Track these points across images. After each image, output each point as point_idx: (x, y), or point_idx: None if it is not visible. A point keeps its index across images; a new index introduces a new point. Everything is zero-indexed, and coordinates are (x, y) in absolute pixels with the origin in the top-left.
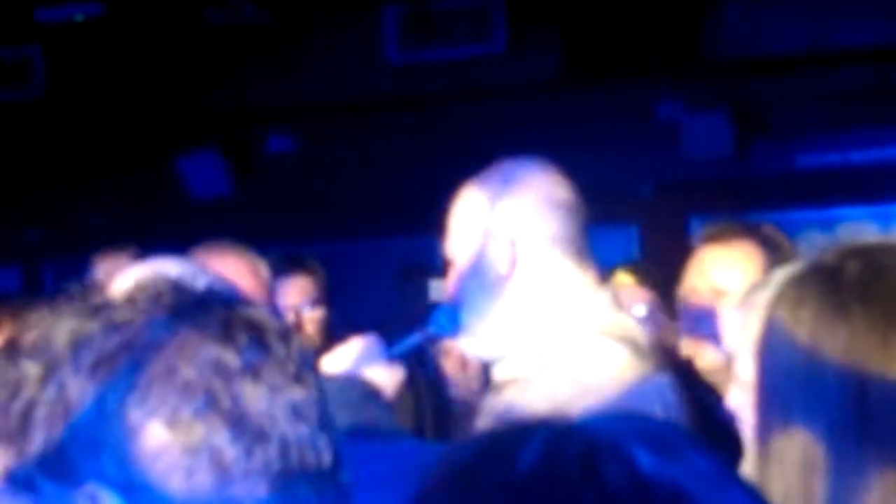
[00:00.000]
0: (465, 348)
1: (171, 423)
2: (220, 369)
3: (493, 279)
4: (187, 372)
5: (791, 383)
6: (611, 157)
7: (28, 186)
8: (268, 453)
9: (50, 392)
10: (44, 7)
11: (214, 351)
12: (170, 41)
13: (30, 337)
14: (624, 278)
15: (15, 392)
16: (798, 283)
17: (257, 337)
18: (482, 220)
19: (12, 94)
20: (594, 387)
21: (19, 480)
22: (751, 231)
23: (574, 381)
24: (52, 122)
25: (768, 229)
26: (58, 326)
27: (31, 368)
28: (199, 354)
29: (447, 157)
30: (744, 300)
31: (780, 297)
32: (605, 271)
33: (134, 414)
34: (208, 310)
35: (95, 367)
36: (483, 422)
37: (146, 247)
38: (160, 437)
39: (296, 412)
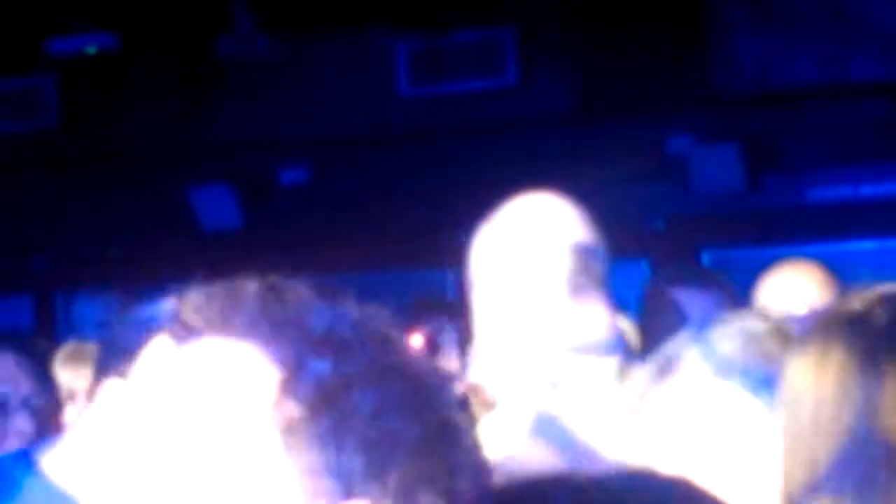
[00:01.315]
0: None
1: None
2: None
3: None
4: None
5: (818, 436)
6: (622, 192)
7: (39, 215)
8: None
9: None
10: (57, 38)
11: None
12: (182, 72)
13: None
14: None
15: None
16: (824, 331)
17: None
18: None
19: (25, 124)
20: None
21: None
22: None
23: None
24: (65, 152)
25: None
26: None
27: None
28: None
29: (459, 190)
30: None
31: (805, 345)
32: (617, 307)
33: None
34: None
35: None
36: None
37: (157, 277)
38: None
39: None
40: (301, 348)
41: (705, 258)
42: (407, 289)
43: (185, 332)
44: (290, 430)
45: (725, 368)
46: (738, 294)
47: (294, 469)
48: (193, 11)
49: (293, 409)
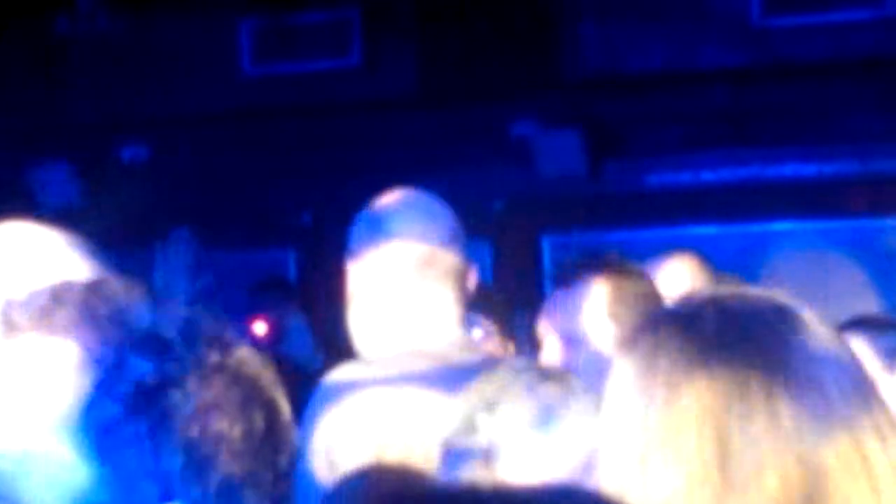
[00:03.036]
0: None
1: None
2: None
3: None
4: None
5: (647, 436)
6: (465, 175)
7: None
8: None
9: None
10: None
11: None
12: (24, 51)
13: None
14: None
15: None
16: (652, 332)
17: None
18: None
19: None
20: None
21: None
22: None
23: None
24: None
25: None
26: None
27: None
28: None
29: (301, 170)
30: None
31: (632, 346)
32: None
33: None
34: None
35: None
36: None
37: None
38: None
39: None
40: (122, 347)
41: (545, 242)
42: (249, 270)
43: (9, 328)
44: (107, 429)
45: None
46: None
47: (111, 469)
48: None
49: (111, 410)
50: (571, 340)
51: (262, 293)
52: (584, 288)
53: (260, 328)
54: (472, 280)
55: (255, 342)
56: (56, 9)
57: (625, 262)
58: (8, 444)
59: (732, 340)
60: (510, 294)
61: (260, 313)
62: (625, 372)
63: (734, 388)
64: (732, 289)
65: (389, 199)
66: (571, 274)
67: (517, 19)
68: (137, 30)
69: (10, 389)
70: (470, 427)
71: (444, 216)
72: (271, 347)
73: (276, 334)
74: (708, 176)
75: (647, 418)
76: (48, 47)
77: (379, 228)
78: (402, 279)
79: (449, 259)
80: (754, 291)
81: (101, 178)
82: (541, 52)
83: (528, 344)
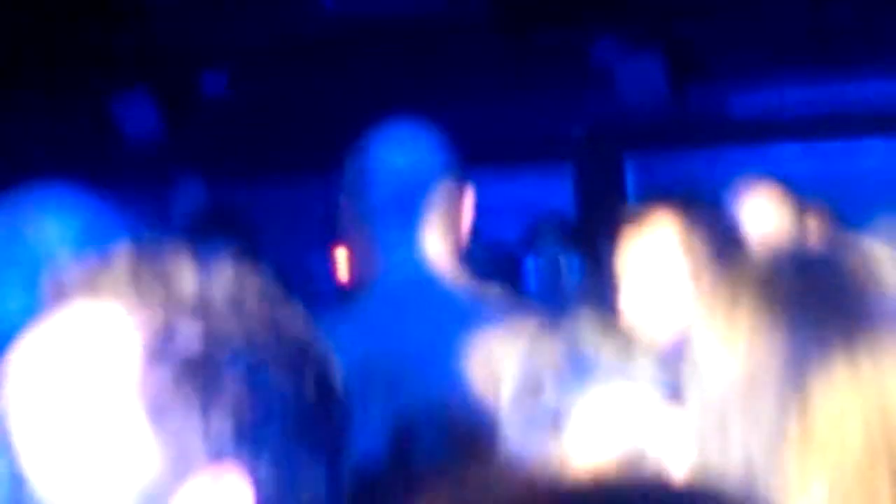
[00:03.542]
0: None
1: None
2: None
3: None
4: None
5: (726, 395)
6: (544, 101)
7: None
8: None
9: None
10: None
11: None
12: None
13: None
14: None
15: None
16: (730, 289)
17: None
18: None
19: None
20: None
21: None
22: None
23: None
24: None
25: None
26: None
27: None
28: None
29: (380, 100)
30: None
31: (711, 300)
32: (539, 214)
33: None
34: None
35: None
36: None
37: (78, 185)
38: None
39: None
40: (169, 311)
41: (629, 166)
42: (329, 197)
43: (57, 295)
44: (156, 393)
45: None
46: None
47: (160, 433)
48: None
49: (160, 373)
50: (645, 281)
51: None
52: (656, 225)
53: (342, 255)
54: None
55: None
56: None
57: (696, 195)
58: (60, 411)
59: (811, 296)
60: (594, 221)
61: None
62: (702, 332)
63: (813, 343)
64: (809, 246)
65: None
66: (643, 211)
67: None
68: None
69: (60, 356)
70: (537, 387)
71: None
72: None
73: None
74: (792, 95)
75: (725, 376)
76: None
77: None
78: None
79: None
80: (832, 243)
81: (182, 108)
82: None
83: (611, 275)
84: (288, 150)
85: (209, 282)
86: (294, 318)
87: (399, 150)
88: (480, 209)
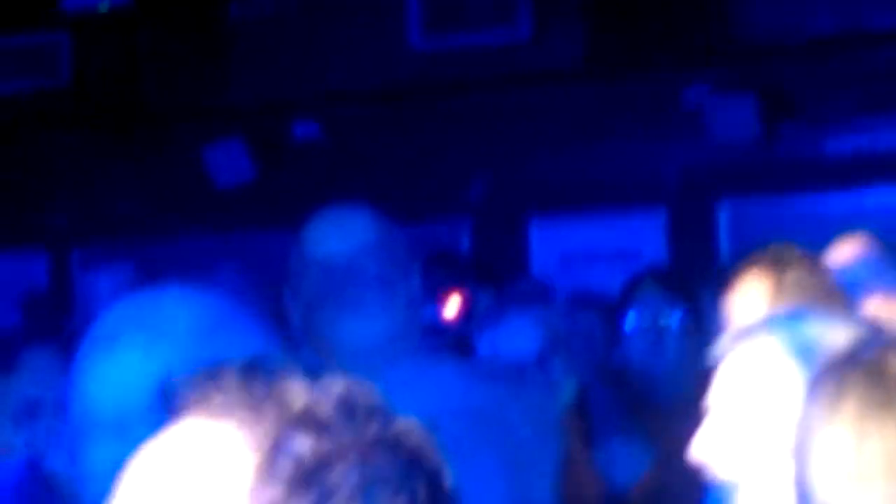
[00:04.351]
0: None
1: None
2: None
3: None
4: None
5: (833, 482)
6: (637, 144)
7: (55, 172)
8: None
9: None
10: None
11: None
12: (195, 31)
13: None
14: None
15: None
16: (836, 377)
17: None
18: None
19: (37, 81)
20: None
21: None
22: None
23: None
24: (78, 110)
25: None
26: None
27: None
28: None
29: (471, 144)
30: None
31: (815, 391)
32: (633, 259)
33: None
34: None
35: None
36: None
37: (172, 233)
38: None
39: None
40: (279, 426)
41: (722, 210)
42: (422, 242)
43: (169, 412)
44: None
45: None
46: (756, 245)
47: None
48: None
49: (271, 491)
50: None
51: (435, 264)
52: (744, 285)
53: (453, 304)
54: None
55: (442, 322)
56: None
57: (784, 252)
58: None
59: None
60: (687, 265)
61: (448, 288)
62: (808, 418)
63: None
64: None
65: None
66: (731, 274)
67: None
68: (306, 8)
69: (171, 475)
70: None
71: None
72: (460, 327)
73: (467, 312)
74: (886, 139)
75: (832, 464)
76: (220, 31)
77: None
78: None
79: None
80: None
81: (274, 155)
82: (709, 18)
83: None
84: (381, 196)
85: (320, 395)
86: (406, 430)
87: (335, 235)
88: (572, 255)
